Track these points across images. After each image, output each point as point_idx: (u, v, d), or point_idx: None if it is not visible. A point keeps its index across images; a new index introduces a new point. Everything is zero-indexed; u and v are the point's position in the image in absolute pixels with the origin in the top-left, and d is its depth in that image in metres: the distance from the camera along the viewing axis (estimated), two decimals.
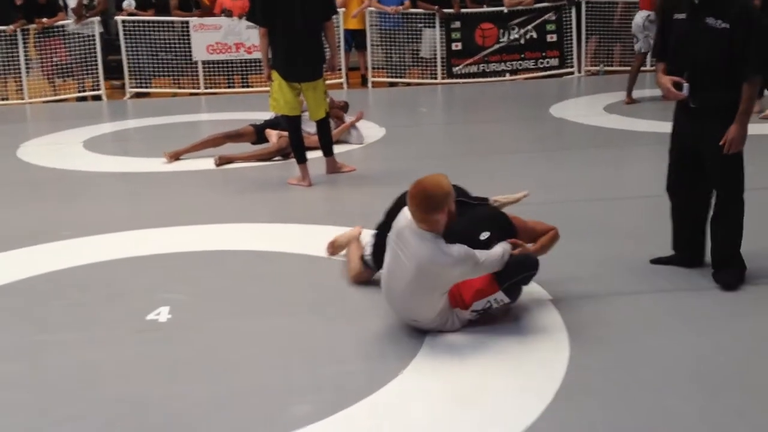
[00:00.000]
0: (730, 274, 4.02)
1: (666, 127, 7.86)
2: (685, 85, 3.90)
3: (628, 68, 10.14)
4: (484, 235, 3.60)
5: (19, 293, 4.22)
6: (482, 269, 3.46)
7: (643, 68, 10.00)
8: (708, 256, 4.16)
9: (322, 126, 6.47)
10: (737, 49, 3.74)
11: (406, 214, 3.50)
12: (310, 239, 4.88)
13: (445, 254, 3.35)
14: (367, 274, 4.09)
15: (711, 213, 4.12)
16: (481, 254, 3.43)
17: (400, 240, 3.47)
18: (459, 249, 3.37)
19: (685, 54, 3.91)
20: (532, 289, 4.00)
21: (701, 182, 4.07)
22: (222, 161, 6.99)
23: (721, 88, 3.83)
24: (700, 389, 3.09)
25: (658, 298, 3.93)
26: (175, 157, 7.15)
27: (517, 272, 3.55)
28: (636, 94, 9.65)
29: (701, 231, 4.18)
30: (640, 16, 9.56)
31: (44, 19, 10.98)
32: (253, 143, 7.31)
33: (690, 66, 3.89)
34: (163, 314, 3.81)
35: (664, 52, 4.06)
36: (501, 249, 3.51)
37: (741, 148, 3.86)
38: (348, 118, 7.84)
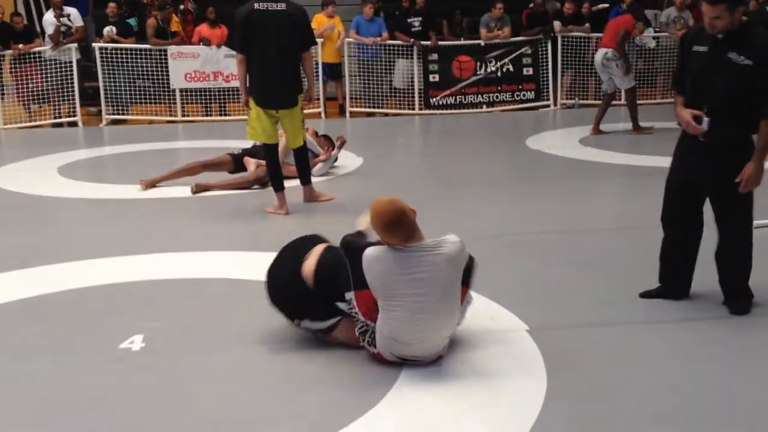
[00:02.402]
0: (742, 303, 4.07)
1: (638, 159, 8.08)
2: (706, 120, 3.83)
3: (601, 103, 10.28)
4: None
5: None
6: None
7: (614, 102, 10.17)
8: (694, 287, 4.20)
9: (300, 154, 6.48)
10: (758, 86, 3.71)
11: (384, 250, 3.39)
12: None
13: (454, 241, 3.45)
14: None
15: (699, 245, 4.13)
16: None
17: (412, 262, 3.34)
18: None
19: (704, 88, 3.87)
20: (508, 319, 4.02)
21: (698, 215, 4.08)
22: (198, 189, 6.96)
23: (737, 124, 3.81)
24: (677, 420, 3.09)
25: (634, 328, 3.95)
26: (152, 184, 7.10)
27: (472, 270, 3.66)
28: (609, 127, 9.80)
29: (692, 263, 4.20)
30: (599, 55, 9.68)
31: (20, 45, 10.93)
32: (231, 172, 7.29)
33: (709, 100, 3.85)
34: (136, 343, 3.76)
35: (683, 85, 4.02)
36: None
37: (757, 186, 3.85)
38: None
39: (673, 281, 4.24)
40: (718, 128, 3.84)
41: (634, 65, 9.61)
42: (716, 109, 3.83)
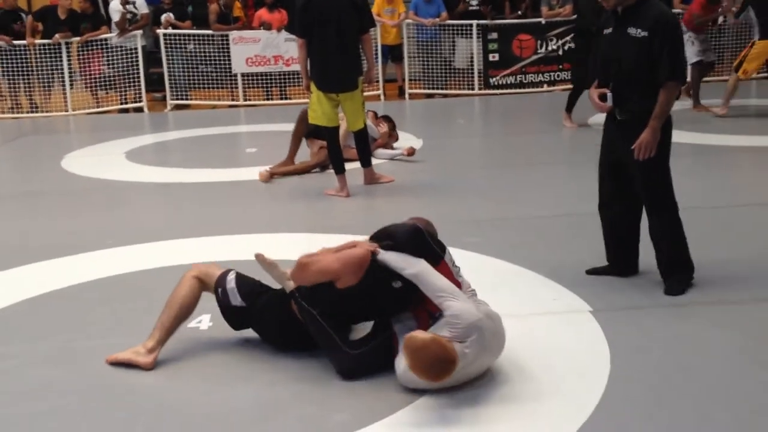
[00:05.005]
0: (676, 280, 4.05)
1: (707, 138, 7.89)
2: (609, 95, 4.00)
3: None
4: (396, 284, 3.28)
5: (65, 300, 4.31)
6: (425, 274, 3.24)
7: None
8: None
9: (360, 137, 6.52)
10: (655, 56, 3.81)
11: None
12: None
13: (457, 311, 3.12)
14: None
15: (638, 225, 4.19)
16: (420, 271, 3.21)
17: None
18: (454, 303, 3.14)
19: (610, 65, 4.01)
20: (572, 300, 4.00)
21: (630, 194, 4.11)
22: (266, 177, 7.05)
23: (643, 96, 3.90)
24: (744, 403, 3.05)
25: (700, 309, 3.89)
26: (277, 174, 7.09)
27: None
28: (677, 105, 9.61)
29: (634, 243, 4.23)
30: None
31: (83, 27, 11.20)
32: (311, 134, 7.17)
33: (614, 76, 3.98)
34: (204, 322, 3.86)
35: (597, 69, 4.18)
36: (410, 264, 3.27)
37: (653, 154, 3.89)
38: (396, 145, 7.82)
39: (616, 261, 4.27)
40: (625, 103, 3.94)
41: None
42: (622, 83, 3.95)
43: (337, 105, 6.31)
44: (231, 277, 3.56)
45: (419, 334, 2.99)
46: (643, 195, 4.05)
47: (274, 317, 3.47)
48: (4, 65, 11.32)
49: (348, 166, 6.47)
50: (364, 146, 6.59)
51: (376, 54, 10.91)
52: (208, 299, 3.95)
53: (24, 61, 11.26)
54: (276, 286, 3.61)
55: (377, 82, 11.29)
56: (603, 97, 4.04)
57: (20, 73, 11.32)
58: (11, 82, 11.47)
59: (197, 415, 3.10)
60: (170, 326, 3.50)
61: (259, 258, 3.55)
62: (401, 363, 3.13)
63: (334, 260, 3.31)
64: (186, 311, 3.54)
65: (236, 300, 3.50)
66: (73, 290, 4.44)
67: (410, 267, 3.21)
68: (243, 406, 3.14)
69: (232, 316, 3.57)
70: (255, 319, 3.54)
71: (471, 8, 11.74)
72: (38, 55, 11.26)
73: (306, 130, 7.11)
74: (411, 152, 7.57)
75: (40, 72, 11.32)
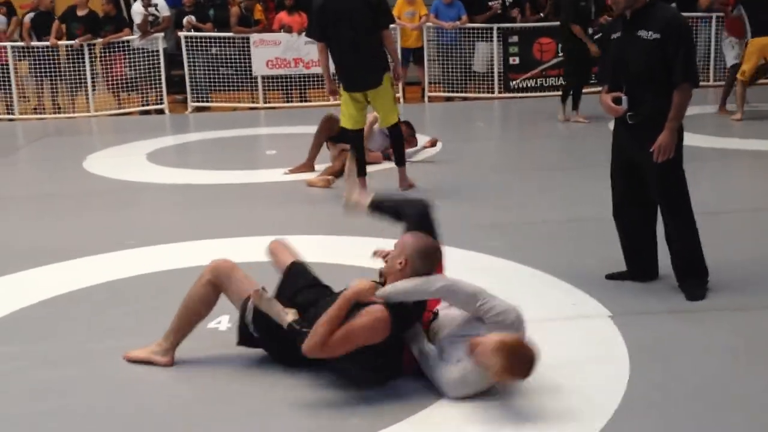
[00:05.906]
0: (694, 284, 4.03)
1: (728, 142, 7.82)
2: (624, 98, 4.00)
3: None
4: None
5: (83, 301, 4.34)
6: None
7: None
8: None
9: (394, 133, 6.44)
10: (669, 57, 3.83)
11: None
12: (365, 251, 4.90)
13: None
14: None
15: (663, 227, 4.14)
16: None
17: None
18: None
19: (621, 68, 4.03)
20: (591, 306, 3.98)
21: (642, 196, 4.10)
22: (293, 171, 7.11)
23: (656, 97, 3.90)
24: (764, 408, 3.02)
25: (718, 315, 3.87)
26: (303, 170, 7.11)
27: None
28: (697, 110, 9.55)
29: (651, 249, 4.21)
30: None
31: (106, 29, 11.28)
32: (332, 137, 7.12)
33: (626, 79, 4.00)
34: (223, 323, 3.87)
35: (607, 74, 4.22)
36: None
37: (672, 155, 3.89)
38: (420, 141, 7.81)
39: (634, 267, 4.25)
40: (639, 105, 3.94)
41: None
42: (634, 86, 3.97)
43: (364, 107, 6.29)
44: (249, 313, 3.40)
45: (506, 338, 2.98)
46: (659, 197, 4.03)
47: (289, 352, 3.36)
48: (31, 66, 11.43)
49: (369, 168, 6.46)
50: (399, 144, 6.43)
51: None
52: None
53: (49, 62, 11.33)
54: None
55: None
56: (617, 101, 4.02)
57: (46, 74, 11.41)
58: (37, 82, 11.57)
59: (206, 415, 3.12)
60: (184, 329, 3.52)
61: (256, 296, 3.35)
62: (447, 373, 3.09)
63: (343, 339, 3.08)
64: (198, 316, 3.55)
65: (254, 330, 3.43)
66: (90, 291, 4.46)
67: (430, 286, 3.15)
68: (255, 409, 3.15)
69: (247, 340, 3.49)
70: (273, 354, 3.50)
71: (498, 12, 11.71)
72: (63, 57, 11.36)
73: (328, 136, 7.10)
74: (433, 143, 7.57)
75: (64, 74, 11.41)
